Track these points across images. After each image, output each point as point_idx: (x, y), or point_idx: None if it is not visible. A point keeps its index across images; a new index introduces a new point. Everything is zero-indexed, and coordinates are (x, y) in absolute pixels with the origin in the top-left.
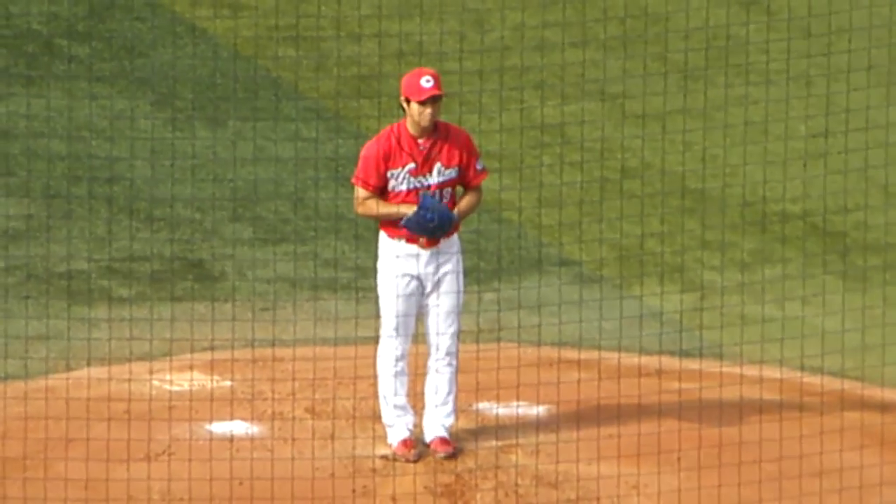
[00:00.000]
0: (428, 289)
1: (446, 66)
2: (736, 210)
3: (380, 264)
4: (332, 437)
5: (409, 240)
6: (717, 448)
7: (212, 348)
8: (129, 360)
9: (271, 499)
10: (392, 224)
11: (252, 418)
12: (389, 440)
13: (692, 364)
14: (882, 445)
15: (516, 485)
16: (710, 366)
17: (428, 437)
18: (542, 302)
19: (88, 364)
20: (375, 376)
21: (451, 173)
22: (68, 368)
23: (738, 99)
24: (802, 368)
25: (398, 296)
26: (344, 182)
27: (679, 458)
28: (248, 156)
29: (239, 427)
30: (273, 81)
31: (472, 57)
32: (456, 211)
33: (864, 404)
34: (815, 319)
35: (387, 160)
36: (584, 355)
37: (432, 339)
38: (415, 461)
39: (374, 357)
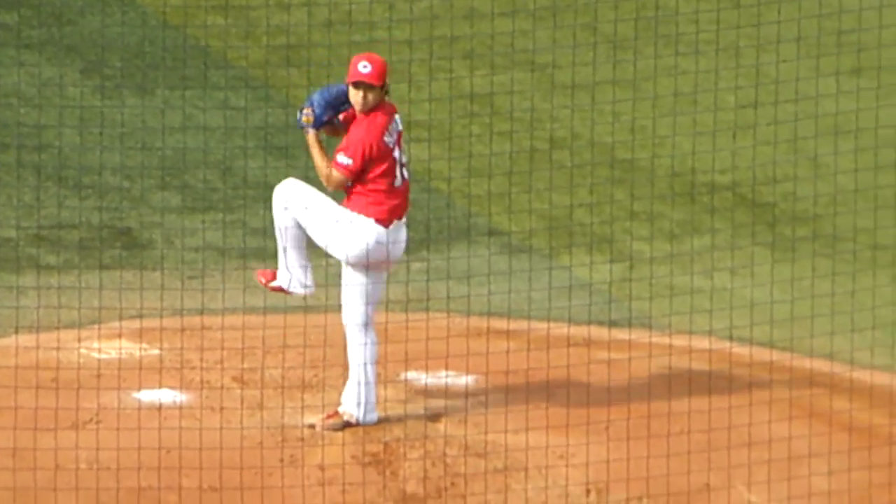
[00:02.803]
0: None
1: (375, 34)
2: (665, 181)
3: (354, 239)
4: (261, 406)
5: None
6: (646, 419)
7: (140, 317)
8: (57, 329)
9: (199, 468)
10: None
11: (180, 387)
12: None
13: (621, 334)
14: (810, 417)
15: (444, 454)
16: (639, 336)
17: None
18: (470, 272)
19: (16, 332)
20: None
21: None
22: None
23: (667, 69)
24: (731, 339)
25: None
26: (272, 151)
27: (608, 429)
28: (177, 124)
29: (167, 396)
30: (202, 50)
31: (400, 26)
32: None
33: (792, 375)
34: (743, 290)
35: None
36: (513, 325)
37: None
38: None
39: (304, 326)
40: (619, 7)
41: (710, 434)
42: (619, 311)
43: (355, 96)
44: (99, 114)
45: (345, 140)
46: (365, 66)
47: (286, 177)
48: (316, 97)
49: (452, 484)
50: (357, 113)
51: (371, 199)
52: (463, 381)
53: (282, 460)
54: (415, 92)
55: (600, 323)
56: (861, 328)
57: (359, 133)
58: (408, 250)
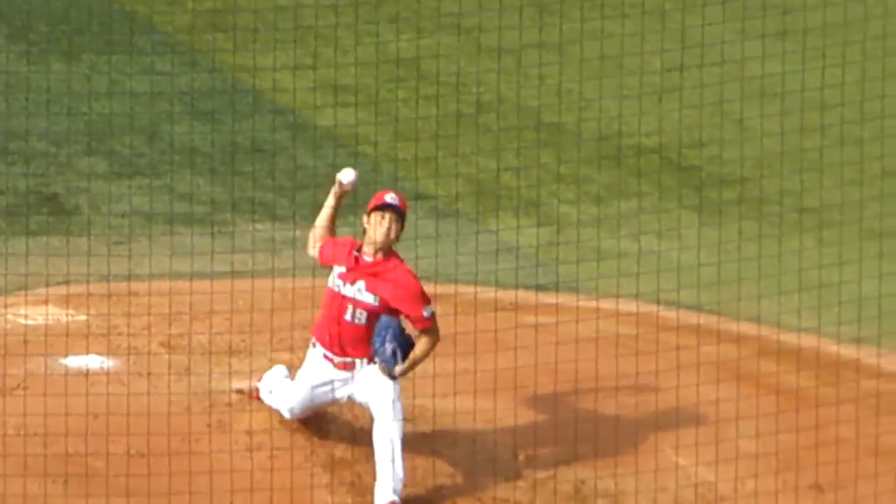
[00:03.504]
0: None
1: None
2: (591, 144)
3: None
4: (188, 371)
5: (326, 357)
6: (574, 382)
7: (67, 283)
8: None
9: (127, 433)
10: (317, 326)
11: (107, 353)
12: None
13: (548, 298)
14: (738, 379)
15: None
16: (567, 300)
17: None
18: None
19: None
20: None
21: (369, 299)
22: None
23: (594, 33)
24: (658, 302)
25: (309, 386)
26: (198, 116)
27: (535, 393)
28: (103, 90)
29: (94, 362)
30: (127, 15)
31: None
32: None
33: (719, 338)
34: (670, 253)
35: (336, 251)
36: (441, 289)
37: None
38: None
39: (231, 292)
40: None
41: (637, 397)
42: (546, 275)
43: (380, 222)
44: (24, 79)
45: (412, 293)
46: (393, 198)
47: (212, 142)
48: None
49: None
50: (383, 252)
51: None
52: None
53: (209, 426)
54: (341, 56)
55: (527, 287)
56: (788, 291)
57: (415, 281)
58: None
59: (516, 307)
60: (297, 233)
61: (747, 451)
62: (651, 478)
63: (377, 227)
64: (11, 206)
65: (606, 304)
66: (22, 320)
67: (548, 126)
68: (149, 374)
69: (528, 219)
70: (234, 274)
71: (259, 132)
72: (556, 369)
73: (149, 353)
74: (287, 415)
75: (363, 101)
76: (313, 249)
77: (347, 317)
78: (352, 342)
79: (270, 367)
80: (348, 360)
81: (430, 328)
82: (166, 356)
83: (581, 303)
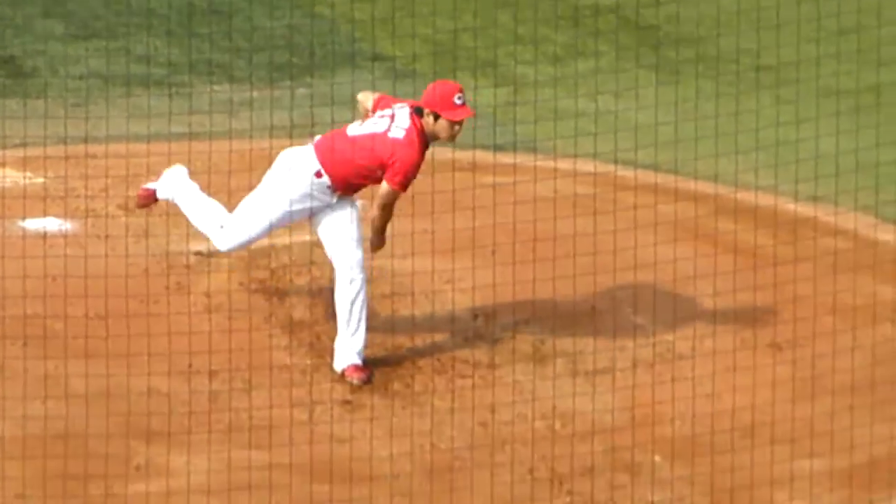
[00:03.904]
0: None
1: None
2: (548, 4)
3: (293, 170)
4: (146, 234)
5: (343, 192)
6: (532, 242)
7: (24, 145)
8: None
9: (85, 296)
10: (344, 181)
11: (65, 215)
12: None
13: (506, 158)
14: (695, 239)
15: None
16: (525, 160)
17: (340, 365)
18: (355, 97)
19: None
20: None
21: None
22: None
23: None
24: (616, 162)
25: (289, 208)
26: None
27: (493, 253)
28: None
29: (52, 224)
30: None
31: None
32: None
33: (677, 197)
34: (628, 113)
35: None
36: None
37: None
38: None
39: (188, 153)
40: None
41: (595, 257)
42: (504, 135)
43: (453, 130)
44: None
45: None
46: (460, 98)
47: (169, 4)
48: None
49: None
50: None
51: None
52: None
53: (167, 287)
54: None
55: (485, 147)
56: (745, 150)
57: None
58: (292, 77)
59: (474, 167)
60: (255, 94)
61: (705, 309)
62: (609, 337)
63: (448, 133)
64: None
65: (564, 164)
66: None
67: None
68: (107, 236)
69: (485, 79)
70: (191, 136)
71: None
72: (514, 229)
73: (106, 215)
74: (233, 241)
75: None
76: (369, 101)
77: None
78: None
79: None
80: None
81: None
82: (124, 218)
83: (539, 163)
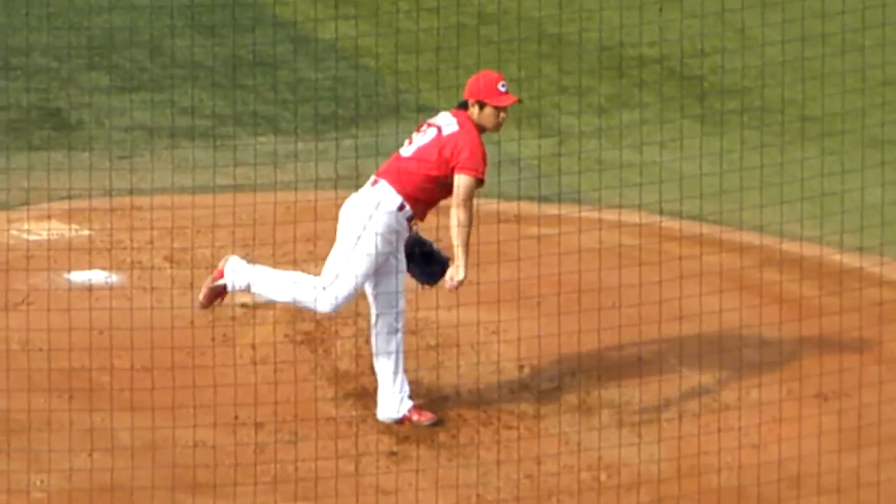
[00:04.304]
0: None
1: None
2: (593, 55)
3: (374, 220)
4: (192, 285)
5: (419, 217)
6: (577, 294)
7: (69, 197)
8: None
9: (131, 348)
10: (423, 204)
11: (111, 267)
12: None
13: (551, 209)
14: (741, 289)
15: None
16: (569, 211)
17: (399, 413)
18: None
19: None
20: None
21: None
22: None
23: None
24: (661, 213)
25: (376, 258)
26: (200, 29)
27: (539, 304)
28: (104, 3)
29: (98, 276)
30: None
31: None
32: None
33: (722, 248)
34: (673, 164)
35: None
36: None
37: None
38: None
39: (233, 206)
40: None
41: (641, 308)
42: (548, 186)
43: (501, 116)
44: None
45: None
46: (504, 86)
47: (214, 56)
48: None
49: None
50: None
51: None
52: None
53: (213, 339)
54: None
55: (530, 198)
56: (790, 200)
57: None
58: (337, 128)
59: (519, 219)
60: (300, 146)
61: (751, 360)
62: (655, 388)
63: (495, 120)
64: (14, 121)
65: (609, 215)
66: (25, 235)
67: (549, 37)
68: (152, 288)
69: (529, 130)
70: (236, 187)
71: (261, 45)
72: (560, 280)
73: (152, 267)
74: (338, 299)
75: (365, 14)
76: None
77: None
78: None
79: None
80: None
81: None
82: (169, 271)
83: (584, 214)
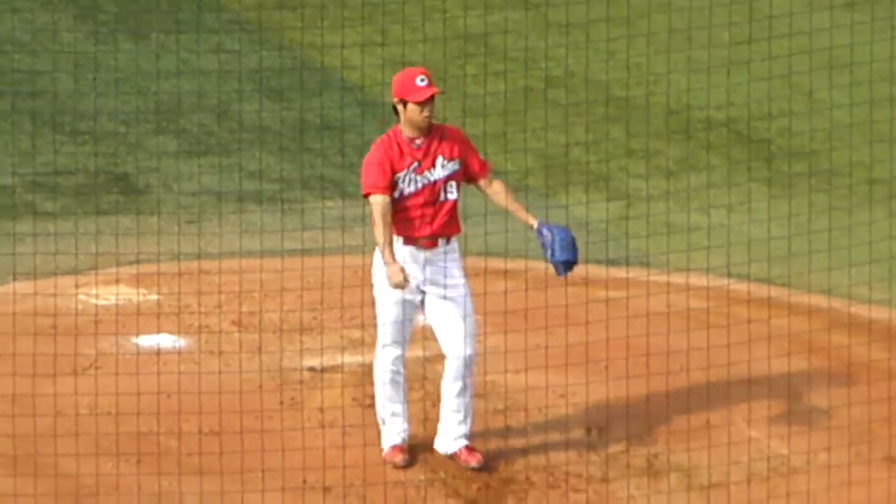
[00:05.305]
0: (427, 293)
1: None
2: (661, 118)
3: (376, 269)
4: (260, 349)
5: (407, 241)
6: (645, 357)
7: (137, 262)
8: (55, 275)
9: (199, 412)
10: (394, 226)
11: (179, 331)
12: (382, 444)
13: (619, 273)
14: (809, 352)
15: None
16: (637, 274)
17: (450, 448)
18: (467, 212)
19: (14, 279)
20: (371, 383)
21: (454, 165)
22: None
23: (662, 6)
24: (729, 276)
25: (395, 301)
26: (268, 93)
27: (607, 368)
28: (172, 68)
29: (166, 340)
30: None
31: None
32: (523, 213)
33: (790, 311)
34: (741, 227)
35: (394, 162)
36: (511, 265)
37: (446, 344)
38: (403, 467)
39: (301, 269)
40: None
41: (709, 371)
42: (616, 250)
43: (422, 113)
44: (93, 59)
45: (469, 142)
46: (423, 80)
47: (281, 120)
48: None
49: None
50: (426, 131)
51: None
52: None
53: (281, 403)
54: (409, 33)
55: (598, 261)
56: (858, 263)
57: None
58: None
59: (587, 282)
60: (367, 210)
61: (820, 423)
62: (724, 451)
63: (420, 117)
64: (82, 186)
65: (677, 278)
66: (93, 300)
67: (617, 100)
68: (220, 352)
69: (597, 193)
70: (304, 251)
71: (328, 109)
72: (628, 343)
73: (220, 331)
74: (381, 350)
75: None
76: (384, 206)
77: (442, 197)
78: (446, 221)
79: (341, 343)
80: (434, 237)
81: (491, 169)
82: (237, 334)
83: (652, 277)
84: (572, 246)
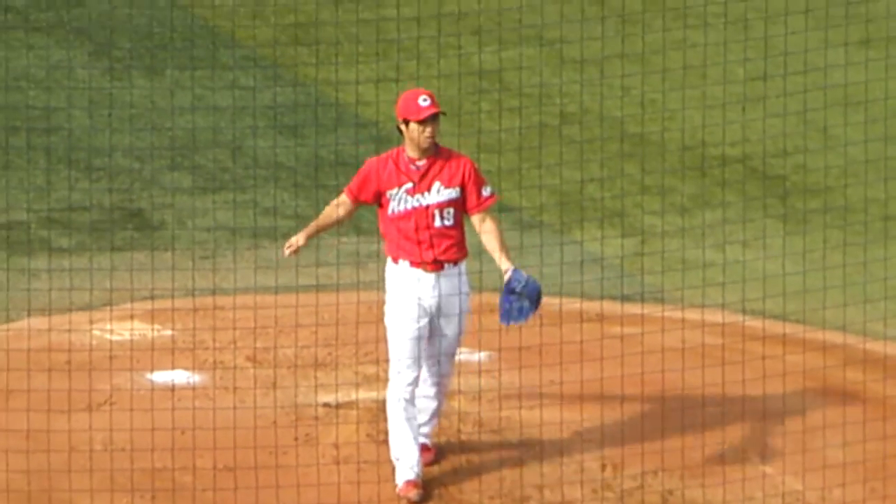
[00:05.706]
0: (433, 313)
1: (384, 12)
2: (675, 154)
3: (389, 284)
4: (274, 385)
5: (413, 263)
6: (660, 393)
7: (152, 297)
8: (70, 311)
9: (213, 448)
10: (395, 247)
11: (193, 367)
12: (396, 480)
13: (634, 309)
14: (824, 389)
15: (459, 431)
16: (652, 310)
17: None
18: (482, 248)
19: (28, 315)
20: (384, 410)
21: (452, 193)
22: (8, 319)
23: (677, 43)
24: (744, 312)
25: (408, 321)
26: (282, 130)
27: (622, 404)
28: (186, 105)
29: (180, 376)
30: (210, 30)
31: (409, 3)
32: (500, 256)
33: (805, 347)
34: (755, 263)
35: (383, 179)
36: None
37: (428, 360)
38: (418, 502)
39: (316, 305)
40: None
41: (724, 407)
42: (631, 286)
43: (422, 133)
44: (108, 96)
45: (476, 173)
46: (425, 100)
47: (296, 156)
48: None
49: (468, 461)
50: (428, 152)
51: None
52: (476, 357)
53: (296, 439)
54: (424, 69)
55: (613, 297)
56: (873, 299)
57: (472, 163)
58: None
59: (602, 318)
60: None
61: (835, 460)
62: (738, 487)
63: (421, 136)
64: (96, 221)
65: (692, 315)
66: (108, 336)
67: (631, 136)
68: (235, 388)
69: (612, 229)
70: (319, 287)
71: (343, 145)
72: (643, 380)
73: (235, 367)
74: (394, 377)
75: (446, 114)
76: (343, 205)
77: (437, 223)
78: (445, 247)
79: (356, 379)
80: (439, 262)
81: (490, 208)
82: (252, 370)
83: (667, 313)
84: (536, 300)
